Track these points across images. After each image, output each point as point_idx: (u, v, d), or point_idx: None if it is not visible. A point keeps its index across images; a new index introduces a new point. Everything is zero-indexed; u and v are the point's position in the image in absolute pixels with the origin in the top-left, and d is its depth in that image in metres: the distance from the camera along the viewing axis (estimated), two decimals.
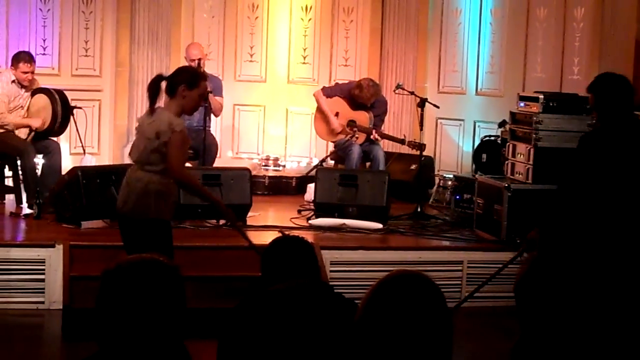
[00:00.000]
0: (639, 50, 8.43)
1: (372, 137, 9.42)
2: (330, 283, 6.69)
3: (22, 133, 8.74)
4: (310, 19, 11.09)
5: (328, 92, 9.79)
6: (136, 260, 2.41)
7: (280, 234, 4.39)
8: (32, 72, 8.75)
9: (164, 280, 2.37)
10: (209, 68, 9.52)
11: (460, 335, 6.91)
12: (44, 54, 10.11)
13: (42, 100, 8.80)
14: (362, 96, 9.50)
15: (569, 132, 7.73)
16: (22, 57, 8.75)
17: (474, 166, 9.69)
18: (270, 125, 11.04)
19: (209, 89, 8.90)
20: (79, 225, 7.78)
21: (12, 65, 8.77)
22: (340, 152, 9.62)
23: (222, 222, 8.12)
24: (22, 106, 8.79)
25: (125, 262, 2.40)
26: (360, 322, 2.24)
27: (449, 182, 9.71)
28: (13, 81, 8.72)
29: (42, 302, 7.06)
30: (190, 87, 5.62)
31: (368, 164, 9.64)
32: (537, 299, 2.74)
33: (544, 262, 2.85)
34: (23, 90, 8.79)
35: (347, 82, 10.02)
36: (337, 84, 10.22)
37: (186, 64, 9.35)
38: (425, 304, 2.25)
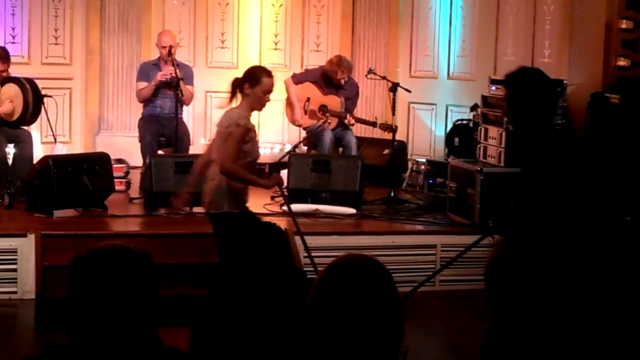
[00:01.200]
0: (609, 33, 8.45)
1: (346, 122, 9.41)
2: (305, 269, 6.72)
3: None
4: (281, 5, 11.05)
5: (298, 78, 9.78)
6: (106, 247, 2.40)
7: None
8: (6, 71, 8.70)
9: (135, 268, 2.36)
10: (180, 55, 9.47)
11: (435, 317, 6.94)
12: (13, 43, 10.02)
13: (12, 89, 8.73)
14: (340, 68, 9.45)
15: None
16: None
17: (446, 150, 9.72)
18: None
19: (180, 76, 8.88)
20: (50, 214, 7.74)
21: None
22: (313, 138, 9.60)
23: (195, 209, 8.10)
24: None
25: (96, 250, 2.39)
26: (311, 306, 2.25)
27: (422, 167, 9.73)
28: None
29: (15, 292, 7.02)
30: (252, 85, 5.85)
31: (340, 149, 9.63)
32: (507, 284, 2.75)
33: (514, 247, 2.87)
34: None
35: (316, 67, 10.01)
36: (306, 69, 10.20)
37: (157, 51, 9.30)
38: (374, 286, 2.27)
